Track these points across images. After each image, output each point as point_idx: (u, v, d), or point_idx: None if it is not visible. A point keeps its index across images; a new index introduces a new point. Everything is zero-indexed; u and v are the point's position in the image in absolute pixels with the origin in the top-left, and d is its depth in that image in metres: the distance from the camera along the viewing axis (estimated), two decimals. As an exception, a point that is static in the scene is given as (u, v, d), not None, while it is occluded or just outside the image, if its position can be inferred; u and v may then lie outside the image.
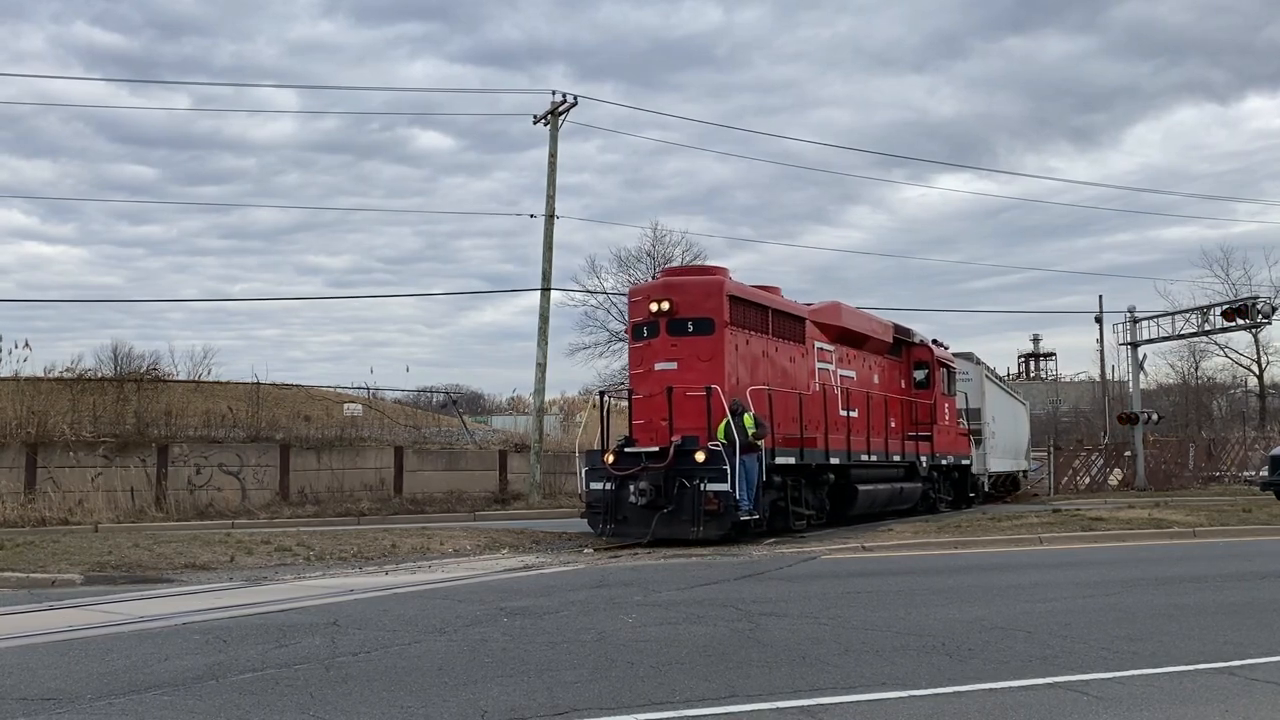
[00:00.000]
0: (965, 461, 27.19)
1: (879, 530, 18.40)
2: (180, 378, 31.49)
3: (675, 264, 39.18)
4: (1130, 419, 38.12)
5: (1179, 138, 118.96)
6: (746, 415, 16.15)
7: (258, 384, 31.23)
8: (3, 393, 26.20)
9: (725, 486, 15.68)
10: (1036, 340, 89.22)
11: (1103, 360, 53.90)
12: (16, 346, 27.05)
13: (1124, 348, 39.73)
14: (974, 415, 29.45)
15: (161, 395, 28.28)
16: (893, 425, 22.91)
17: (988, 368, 32.84)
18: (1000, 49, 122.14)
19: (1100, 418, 52.54)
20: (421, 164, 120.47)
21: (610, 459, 16.71)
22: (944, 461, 25.33)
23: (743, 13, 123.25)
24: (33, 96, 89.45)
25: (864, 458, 20.68)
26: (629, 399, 18.20)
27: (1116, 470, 40.30)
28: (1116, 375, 53.44)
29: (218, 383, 32.61)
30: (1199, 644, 7.50)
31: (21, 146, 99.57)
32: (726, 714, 5.61)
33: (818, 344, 20.54)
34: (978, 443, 29.06)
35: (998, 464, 32.55)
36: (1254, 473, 38.45)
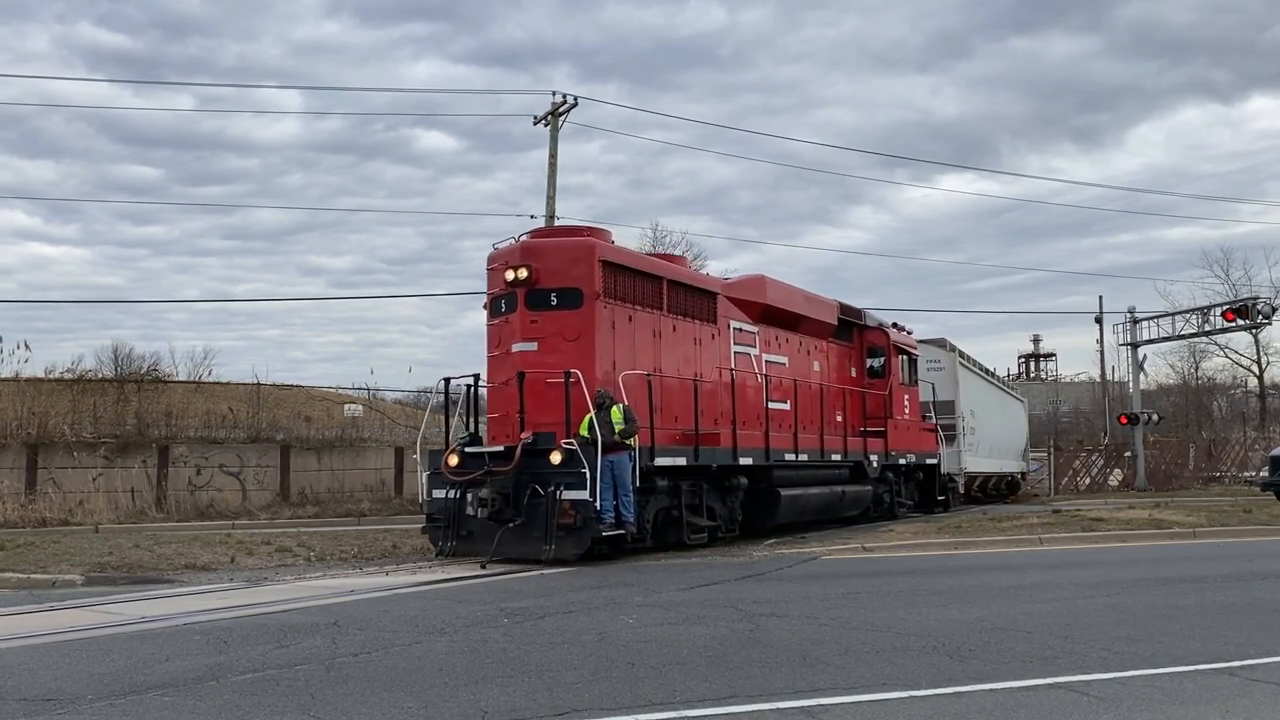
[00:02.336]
0: (931, 460, 24.51)
1: (879, 530, 18.40)
2: (181, 378, 31.46)
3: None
4: (1131, 420, 38.10)
5: (1182, 138, 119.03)
6: (615, 408, 13.64)
7: (258, 384, 31.20)
8: (3, 393, 26.19)
9: (584, 494, 13.03)
10: (1037, 341, 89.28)
11: (1103, 361, 53.97)
12: (18, 347, 27.02)
13: (1124, 348, 39.77)
14: (946, 408, 26.91)
15: (162, 396, 28.26)
16: (838, 419, 20.42)
17: (965, 356, 30.53)
18: (1003, 49, 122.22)
19: (1100, 418, 52.55)
20: (425, 164, 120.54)
21: (453, 460, 14.04)
22: (902, 461, 22.63)
23: (747, 12, 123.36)
24: (36, 97, 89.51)
25: (789, 457, 18.08)
26: (486, 388, 15.58)
27: (1117, 471, 40.30)
28: (1117, 376, 53.49)
29: (218, 383, 32.56)
30: (1199, 644, 7.50)
31: (25, 147, 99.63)
32: (727, 714, 5.61)
33: (735, 324, 17.81)
34: (950, 439, 26.55)
35: (978, 463, 30.31)
36: (1254, 473, 38.45)
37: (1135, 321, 38.65)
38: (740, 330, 18.01)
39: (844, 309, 21.81)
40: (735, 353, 17.73)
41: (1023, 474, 37.33)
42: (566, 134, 30.14)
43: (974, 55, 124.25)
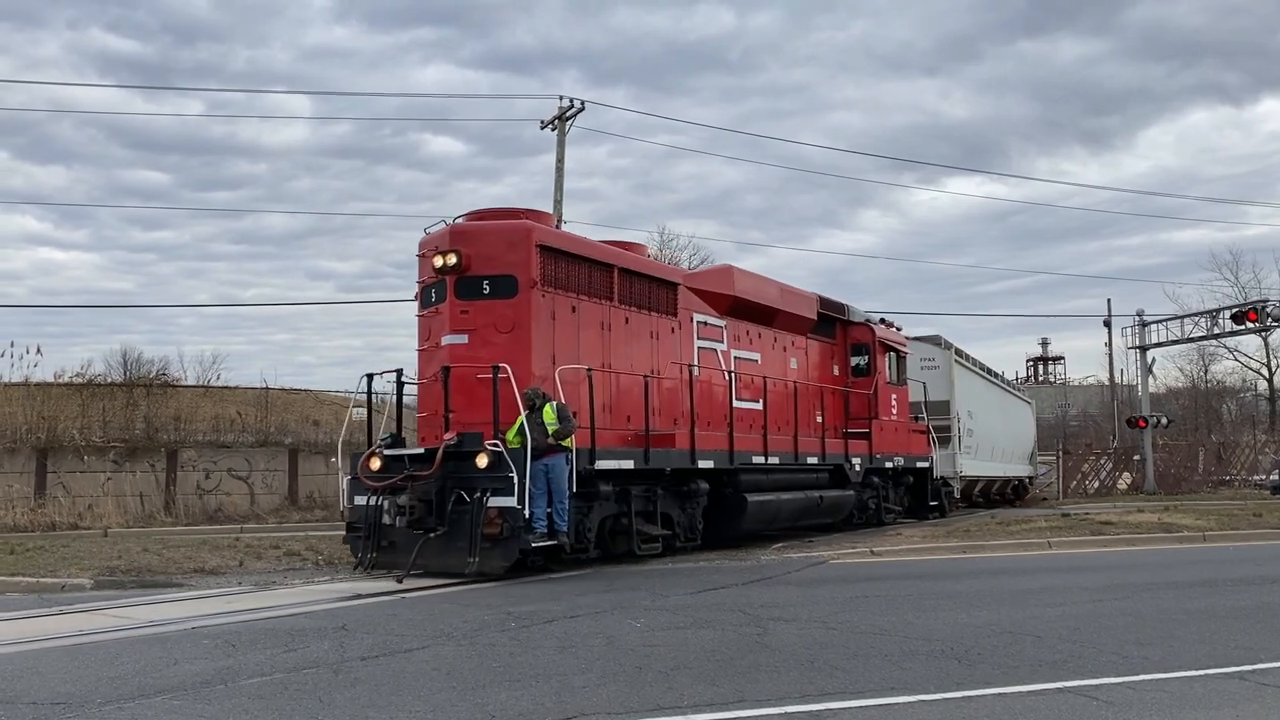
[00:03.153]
0: (922, 464, 23.24)
1: (887, 534, 18.37)
2: (189, 383, 31.61)
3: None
4: (1139, 422, 37.97)
5: (1192, 140, 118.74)
6: (549, 407, 12.46)
7: (266, 389, 31.30)
8: (13, 398, 26.31)
9: (512, 501, 11.85)
10: (1045, 344, 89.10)
11: (1111, 364, 53.82)
12: (28, 352, 27.15)
13: (1133, 351, 39.69)
14: (939, 409, 25.72)
15: (171, 400, 28.38)
16: (817, 420, 19.32)
17: (962, 354, 29.29)
18: (1013, 52, 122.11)
19: (1109, 421, 52.39)
20: (433, 169, 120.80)
21: (375, 464, 12.77)
22: (889, 464, 21.39)
23: (756, 16, 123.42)
24: (47, 102, 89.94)
25: (758, 460, 16.80)
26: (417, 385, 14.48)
27: (1125, 474, 40.17)
28: (1125, 379, 53.39)
29: (227, 388, 32.67)
30: (1209, 648, 7.47)
31: (36, 152, 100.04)
32: (734, 719, 5.61)
33: (699, 317, 16.75)
34: (944, 441, 25.49)
35: (978, 466, 29.02)
36: (1264, 476, 38.32)
37: (1144, 324, 38.55)
38: (705, 324, 16.90)
39: (824, 303, 20.64)
40: (699, 348, 16.65)
41: (1030, 478, 36.66)
42: (574, 138, 30.17)
43: (983, 58, 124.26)
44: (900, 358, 22.83)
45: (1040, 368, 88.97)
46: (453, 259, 13.23)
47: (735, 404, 17.10)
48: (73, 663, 7.46)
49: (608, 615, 9.31)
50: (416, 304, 14.42)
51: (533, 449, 12.09)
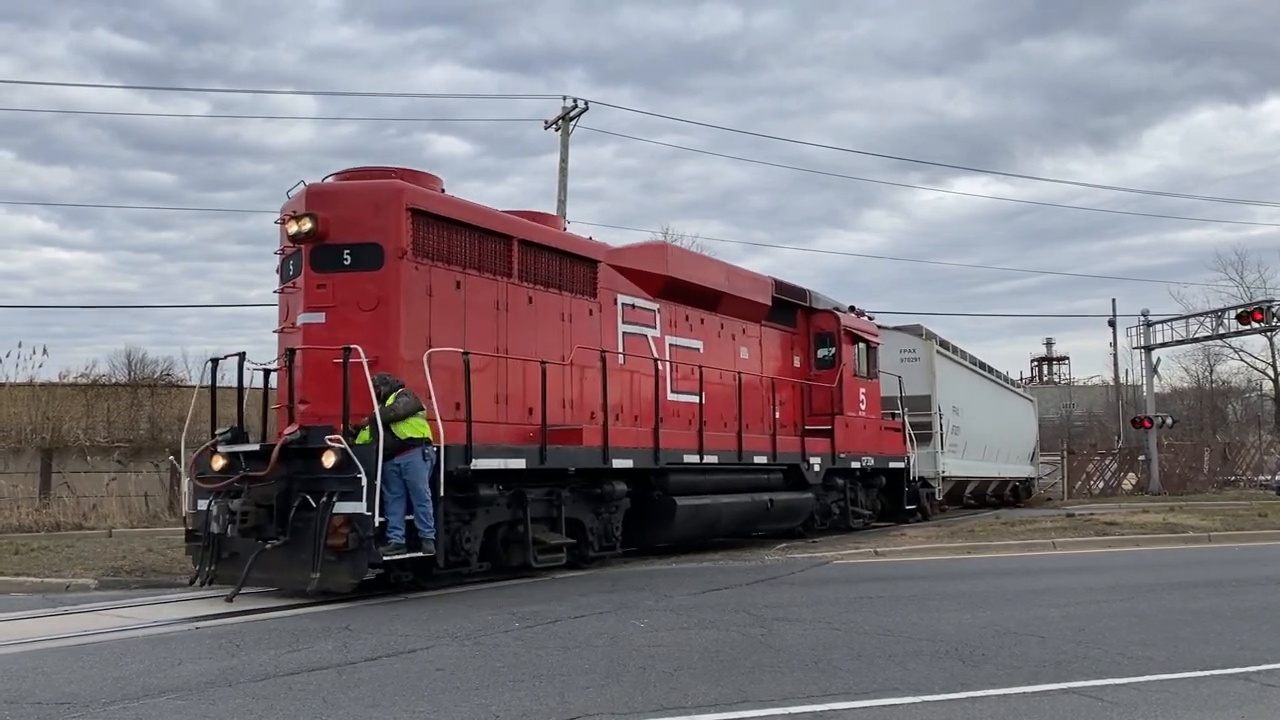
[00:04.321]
0: (896, 464, 21.43)
1: (891, 534, 18.35)
2: (194, 383, 31.64)
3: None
4: (1144, 423, 37.92)
5: (1198, 140, 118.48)
6: (394, 396, 10.71)
7: (268, 389, 31.32)
8: (18, 398, 26.36)
9: (360, 506, 10.13)
10: (1049, 344, 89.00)
11: (1116, 364, 53.76)
12: (34, 352, 27.21)
13: (1138, 351, 39.59)
14: (919, 404, 23.87)
15: (175, 400, 28.37)
16: (774, 415, 17.73)
17: (947, 345, 27.65)
18: (1018, 51, 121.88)
19: (1114, 421, 52.32)
20: (438, 169, 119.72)
21: (219, 463, 11.00)
22: (856, 464, 19.63)
23: (761, 16, 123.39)
24: (52, 103, 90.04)
25: (691, 459, 15.05)
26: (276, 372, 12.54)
27: (1130, 474, 40.12)
28: (1130, 379, 53.28)
29: (231, 388, 32.69)
30: (1214, 649, 7.45)
31: (41, 153, 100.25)
32: (738, 719, 5.60)
33: (625, 299, 15.00)
34: (924, 439, 23.69)
35: (965, 466, 27.38)
36: (1269, 477, 38.25)
37: (1149, 325, 38.49)
38: (633, 307, 15.13)
39: (781, 287, 18.89)
40: (625, 334, 14.90)
41: (1031, 479, 35.84)
42: (579, 138, 30.22)
43: (989, 58, 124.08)
44: (870, 348, 21.04)
45: (1045, 368, 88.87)
46: (308, 224, 11.36)
47: (670, 397, 15.45)
48: (77, 663, 7.47)
49: (611, 615, 9.31)
50: (278, 280, 12.52)
51: (385, 446, 10.33)
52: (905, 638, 7.96)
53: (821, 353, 19.70)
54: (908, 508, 21.94)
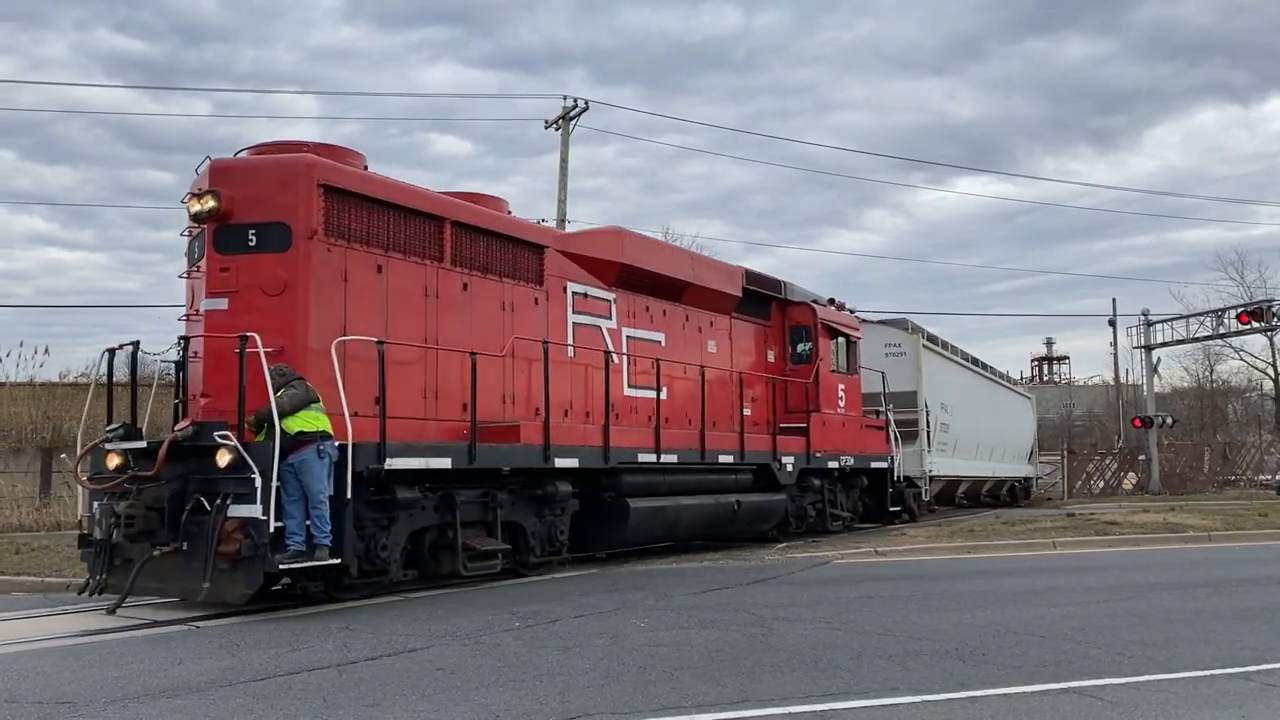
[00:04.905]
0: (879, 463, 20.54)
1: (891, 534, 18.34)
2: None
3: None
4: (1145, 423, 37.92)
5: (1199, 140, 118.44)
6: (285, 390, 9.76)
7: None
8: (19, 398, 26.39)
9: (255, 510, 9.29)
10: (1049, 344, 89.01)
11: (1116, 364, 53.77)
12: (35, 352, 27.25)
13: (1138, 351, 39.60)
14: (905, 401, 23.09)
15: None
16: (744, 412, 16.93)
17: (935, 340, 26.87)
18: (1019, 51, 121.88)
19: (1114, 421, 52.31)
20: (440, 169, 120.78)
21: (114, 461, 10.01)
22: (834, 464, 18.75)
23: (762, 16, 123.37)
24: (54, 103, 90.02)
25: (647, 458, 14.17)
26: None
27: (1131, 474, 40.13)
28: (1131, 379, 53.28)
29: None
30: (1215, 649, 7.45)
31: (42, 153, 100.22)
32: (739, 718, 5.60)
33: (576, 288, 14.11)
34: (910, 437, 23.03)
35: (955, 465, 26.65)
36: (1270, 476, 38.26)
37: (1149, 324, 38.50)
38: (585, 296, 14.25)
39: (753, 278, 17.98)
40: (575, 324, 14.02)
41: (1030, 479, 35.56)
42: (581, 138, 30.20)
43: (989, 58, 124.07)
44: (851, 343, 20.16)
45: (1045, 367, 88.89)
46: (210, 202, 10.50)
47: (627, 392, 14.63)
48: (77, 663, 7.47)
49: (611, 615, 9.31)
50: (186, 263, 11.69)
51: (280, 443, 9.52)
52: (906, 637, 7.96)
53: (798, 347, 18.87)
54: (892, 509, 21.15)
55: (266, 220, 10.57)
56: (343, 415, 9.87)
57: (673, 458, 14.66)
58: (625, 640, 7.96)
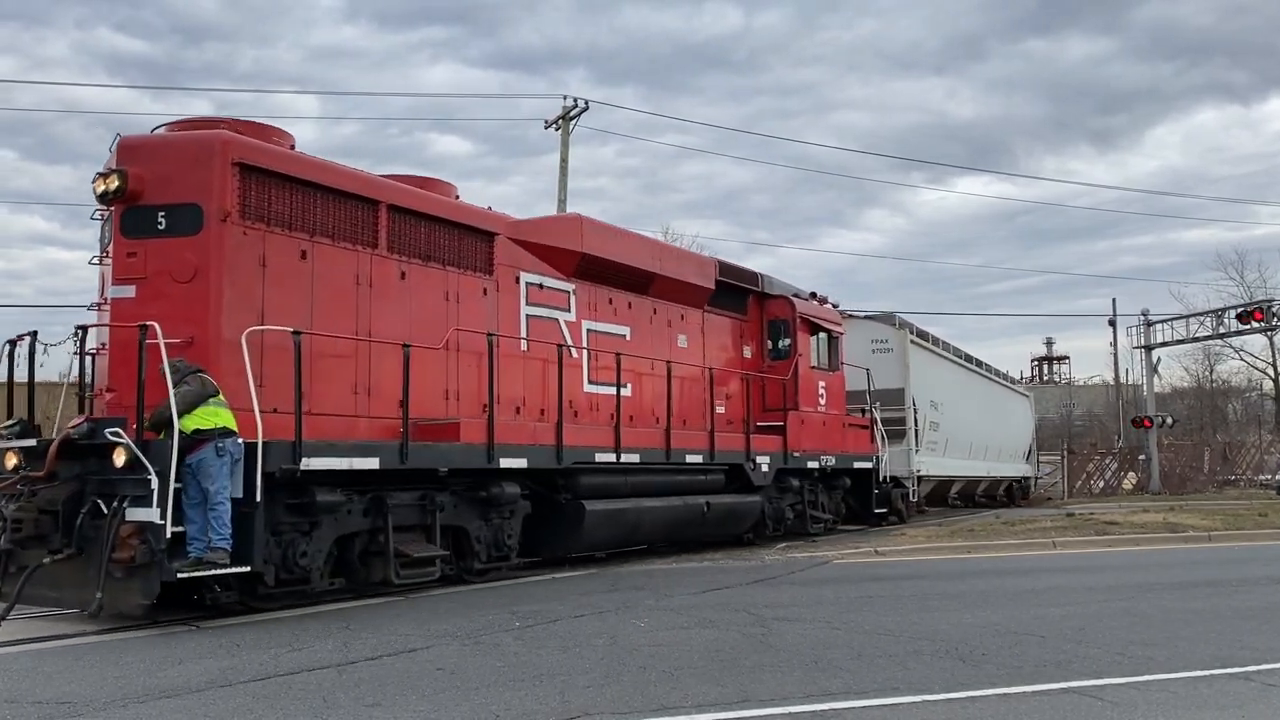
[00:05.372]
0: (863, 463, 19.84)
1: (891, 534, 18.35)
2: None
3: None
4: (1144, 423, 37.92)
5: (1200, 140, 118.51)
6: (180, 386, 8.96)
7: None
8: (18, 398, 26.36)
9: (153, 513, 8.60)
10: (1049, 343, 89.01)
11: (1116, 364, 53.77)
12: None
13: (1138, 351, 39.63)
14: (892, 398, 22.53)
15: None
16: (718, 410, 16.24)
17: (925, 335, 26.15)
18: (1020, 51, 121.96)
19: (1114, 421, 52.31)
20: (440, 169, 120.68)
21: (11, 461, 9.39)
22: (814, 464, 18.04)
23: (763, 15, 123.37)
24: (55, 102, 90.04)
25: (605, 458, 13.41)
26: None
27: (1131, 474, 40.15)
28: (1130, 379, 53.28)
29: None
30: (1215, 649, 7.45)
31: (43, 152, 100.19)
32: (739, 718, 5.60)
33: (530, 278, 13.34)
34: (897, 436, 22.42)
35: (946, 465, 26.04)
36: (1270, 476, 38.27)
37: (1149, 324, 38.52)
38: (541, 287, 13.50)
39: (727, 270, 17.26)
40: (529, 316, 13.26)
41: (1028, 478, 35.27)
42: (582, 138, 30.21)
43: (990, 57, 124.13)
44: (833, 338, 19.46)
45: (1045, 367, 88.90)
46: (115, 182, 9.77)
47: (587, 389, 14.01)
48: (77, 662, 7.47)
49: (612, 615, 9.31)
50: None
51: (180, 442, 8.80)
52: (905, 637, 7.95)
53: (776, 343, 18.12)
54: (878, 511, 20.52)
55: (177, 201, 9.82)
56: (252, 411, 9.14)
57: (634, 457, 13.89)
58: (625, 640, 7.96)
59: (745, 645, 7.69)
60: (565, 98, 30.27)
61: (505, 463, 11.82)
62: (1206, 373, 61.85)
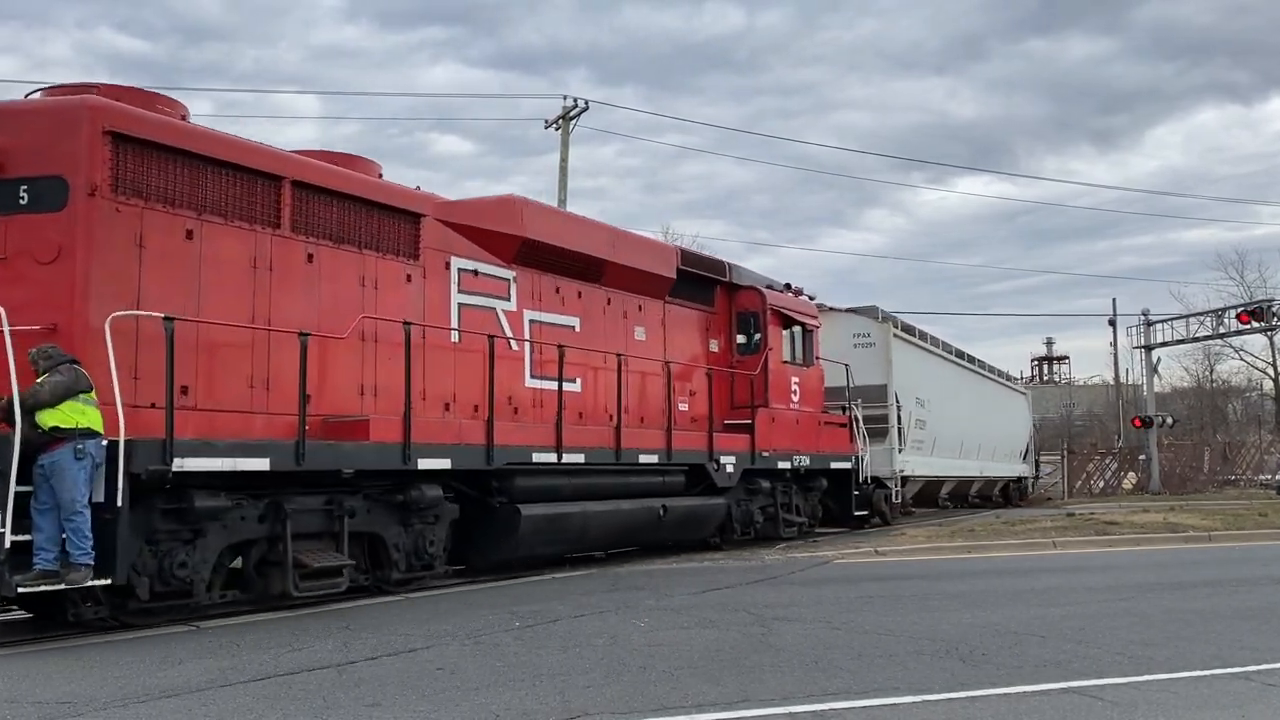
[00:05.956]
0: (841, 463, 18.83)
1: (892, 534, 18.34)
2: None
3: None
4: (1144, 423, 37.92)
5: (1201, 139, 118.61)
6: (50, 376, 8.11)
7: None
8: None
9: None
10: (1049, 343, 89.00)
11: (1116, 364, 53.75)
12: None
13: (1138, 351, 39.62)
14: (874, 395, 21.54)
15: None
16: (684, 407, 15.46)
17: (909, 329, 25.22)
18: (1021, 51, 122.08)
19: (1114, 421, 52.29)
20: (441, 168, 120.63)
21: None
22: (785, 464, 17.00)
23: (764, 15, 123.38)
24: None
25: (544, 458, 12.43)
26: None
27: (1131, 474, 40.14)
28: (1130, 379, 53.28)
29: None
30: (1215, 649, 7.45)
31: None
32: (739, 718, 5.60)
33: (463, 264, 12.28)
34: (880, 435, 21.53)
35: (933, 465, 25.05)
36: (1270, 476, 38.25)
37: (1149, 324, 38.50)
38: (474, 274, 12.46)
39: (690, 258, 16.39)
40: (461, 305, 12.22)
41: (1021, 479, 34.63)
42: (582, 137, 30.21)
43: (991, 57, 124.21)
44: (807, 332, 18.41)
45: (1045, 367, 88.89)
46: None
47: (529, 384, 12.99)
48: (77, 662, 7.46)
49: (612, 615, 9.31)
50: None
51: (27, 440, 7.88)
52: (906, 637, 7.95)
53: (747, 337, 17.23)
54: (859, 513, 19.53)
55: (40, 174, 8.84)
56: (114, 405, 8.26)
57: (579, 458, 12.91)
58: (625, 640, 7.96)
59: (745, 645, 7.69)
60: (565, 98, 30.29)
61: (425, 464, 10.80)
62: (1206, 373, 61.92)
